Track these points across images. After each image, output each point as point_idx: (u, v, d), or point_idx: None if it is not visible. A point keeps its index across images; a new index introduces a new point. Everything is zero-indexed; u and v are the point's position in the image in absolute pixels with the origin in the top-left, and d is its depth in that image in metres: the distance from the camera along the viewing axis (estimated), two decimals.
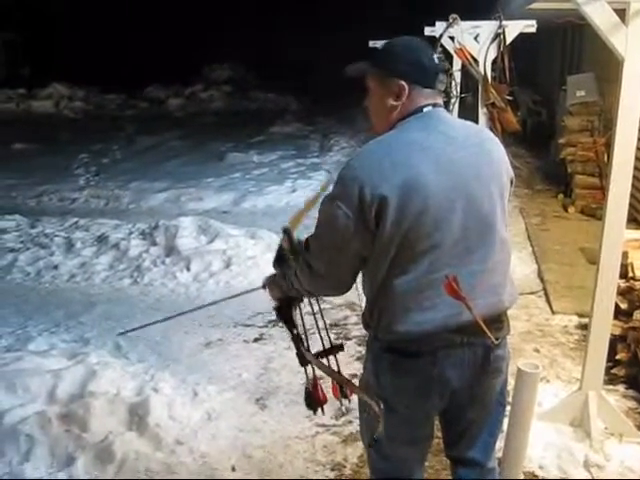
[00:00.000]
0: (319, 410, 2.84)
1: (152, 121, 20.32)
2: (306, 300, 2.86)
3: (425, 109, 2.35)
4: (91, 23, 27.26)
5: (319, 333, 2.88)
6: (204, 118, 21.30)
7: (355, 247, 2.30)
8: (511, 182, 2.49)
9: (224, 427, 4.18)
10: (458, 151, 2.30)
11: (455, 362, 2.38)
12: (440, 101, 2.44)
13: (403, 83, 2.34)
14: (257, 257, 7.13)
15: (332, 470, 3.83)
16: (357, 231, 2.25)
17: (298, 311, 2.87)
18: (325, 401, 2.83)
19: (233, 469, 3.83)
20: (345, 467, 3.84)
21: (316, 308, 2.95)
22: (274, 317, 5.84)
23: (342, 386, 2.73)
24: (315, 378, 2.82)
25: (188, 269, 6.93)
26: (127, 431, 4.00)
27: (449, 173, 2.25)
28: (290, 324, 2.83)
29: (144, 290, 6.73)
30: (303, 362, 2.80)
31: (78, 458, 3.78)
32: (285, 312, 2.85)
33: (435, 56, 2.40)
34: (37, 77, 25.08)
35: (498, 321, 2.45)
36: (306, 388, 2.85)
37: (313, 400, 2.83)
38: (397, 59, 2.37)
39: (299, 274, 2.53)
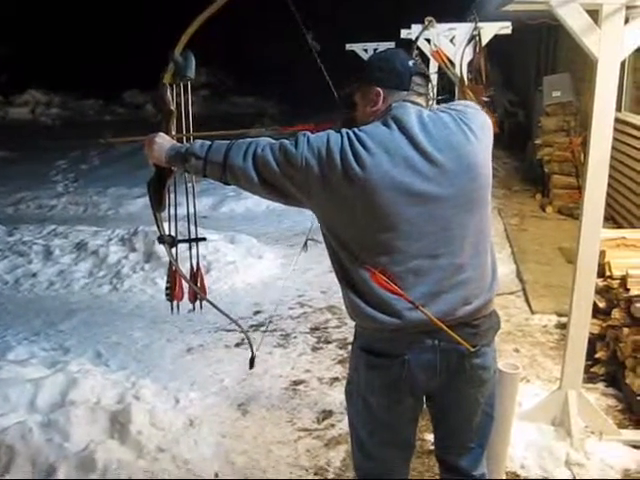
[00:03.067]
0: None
1: (130, 126, 20.18)
2: None
3: (394, 105, 2.41)
4: (67, 29, 27.08)
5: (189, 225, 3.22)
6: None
7: (292, 183, 2.35)
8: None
9: (206, 433, 4.17)
10: (418, 148, 2.31)
11: (425, 365, 2.40)
12: (417, 100, 2.47)
13: (379, 89, 2.46)
14: (237, 261, 7.13)
15: (315, 474, 3.82)
16: (305, 170, 2.31)
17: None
18: (180, 298, 3.03)
19: (216, 476, 3.81)
20: (328, 471, 3.84)
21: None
22: (255, 322, 5.90)
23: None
24: (176, 270, 3.05)
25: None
26: (109, 439, 3.98)
27: (406, 169, 2.28)
28: (157, 202, 2.98)
29: (124, 297, 6.70)
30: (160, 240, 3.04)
31: (59, 468, 3.74)
32: (157, 186, 2.96)
33: (411, 62, 2.50)
34: (13, 84, 24.89)
35: (473, 326, 2.45)
36: (168, 276, 3.08)
37: (171, 292, 3.06)
38: (372, 68, 2.52)
39: (234, 147, 2.48)
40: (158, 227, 2.93)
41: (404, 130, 2.33)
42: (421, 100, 2.49)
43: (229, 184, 2.54)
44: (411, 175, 2.28)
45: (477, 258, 2.42)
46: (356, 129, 2.36)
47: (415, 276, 2.32)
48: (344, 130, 2.35)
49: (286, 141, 2.39)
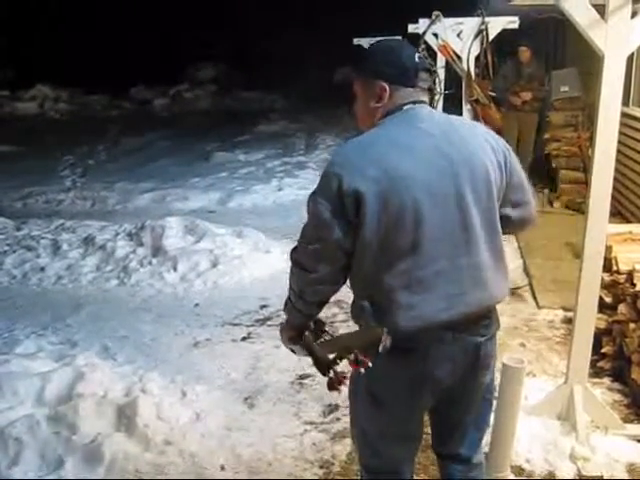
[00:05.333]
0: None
1: (137, 121, 20.23)
2: None
3: (406, 107, 2.40)
4: (75, 24, 27.09)
5: None
6: (189, 118, 21.23)
7: (336, 237, 2.32)
8: (506, 166, 2.46)
9: (213, 426, 4.19)
10: (437, 147, 2.33)
11: (445, 359, 2.40)
12: (424, 98, 2.47)
13: (384, 84, 2.40)
14: (244, 256, 7.14)
15: (321, 468, 3.83)
16: (336, 221, 2.29)
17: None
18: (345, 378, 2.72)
19: (222, 468, 3.83)
20: (334, 464, 3.85)
21: None
22: (261, 316, 5.90)
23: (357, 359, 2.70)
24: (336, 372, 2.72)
25: (175, 269, 6.93)
26: (116, 432, 4.00)
27: (427, 169, 2.29)
28: (303, 342, 2.76)
29: (131, 291, 6.72)
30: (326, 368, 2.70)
31: (67, 460, 3.78)
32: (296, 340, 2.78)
33: (417, 55, 2.45)
34: (21, 79, 24.91)
35: (487, 317, 2.47)
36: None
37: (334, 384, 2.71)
38: (377, 61, 2.44)
39: (291, 278, 2.59)
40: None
41: (418, 128, 2.36)
42: (425, 97, 2.48)
43: (321, 293, 2.58)
44: (430, 172, 2.30)
45: (494, 257, 2.43)
46: (359, 137, 2.40)
47: (437, 278, 2.32)
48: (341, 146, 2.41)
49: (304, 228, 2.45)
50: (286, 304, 2.70)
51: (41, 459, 3.81)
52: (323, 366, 2.62)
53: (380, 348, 2.37)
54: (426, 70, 2.48)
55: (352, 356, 2.59)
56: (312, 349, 2.68)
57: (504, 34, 7.41)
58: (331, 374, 2.64)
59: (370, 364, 2.42)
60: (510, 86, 9.22)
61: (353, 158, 2.32)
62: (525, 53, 9.37)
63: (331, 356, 2.65)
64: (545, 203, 9.48)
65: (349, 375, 2.59)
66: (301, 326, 2.68)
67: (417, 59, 2.44)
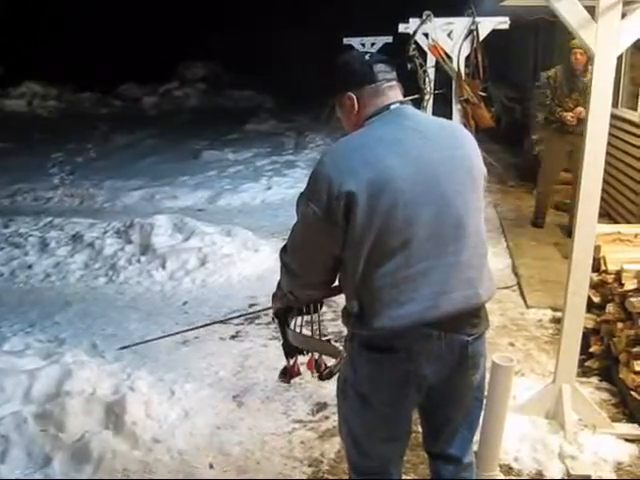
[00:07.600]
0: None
1: (127, 119, 20.17)
2: None
3: (392, 106, 2.42)
4: (64, 21, 26.99)
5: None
6: (179, 116, 21.19)
7: (325, 243, 2.35)
8: (484, 177, 2.53)
9: (201, 425, 4.18)
10: (426, 146, 2.34)
11: (431, 357, 2.40)
12: (399, 94, 2.49)
13: (349, 93, 2.46)
14: (233, 254, 7.13)
15: (309, 466, 3.83)
16: (326, 227, 2.31)
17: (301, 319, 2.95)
18: (298, 374, 3.06)
19: (211, 466, 3.83)
20: (322, 463, 3.85)
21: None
22: (250, 315, 5.89)
23: (317, 360, 2.85)
24: (295, 363, 2.99)
25: (164, 267, 6.91)
26: (104, 430, 3.98)
27: (418, 167, 2.30)
28: (281, 320, 2.91)
29: (119, 289, 6.70)
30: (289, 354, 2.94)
31: (54, 458, 3.76)
32: (280, 316, 2.91)
33: (366, 55, 2.53)
34: (10, 76, 24.79)
35: (475, 316, 2.47)
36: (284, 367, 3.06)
37: (288, 373, 3.07)
38: (337, 80, 2.53)
39: (280, 275, 2.64)
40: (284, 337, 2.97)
41: (406, 127, 2.38)
42: (395, 90, 2.49)
43: (311, 294, 2.71)
44: (419, 171, 2.31)
45: (478, 257, 2.45)
46: (347, 137, 2.43)
47: (424, 276, 2.33)
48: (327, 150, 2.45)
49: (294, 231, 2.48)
50: (279, 286, 2.77)
51: (28, 457, 3.79)
52: (291, 350, 2.91)
53: (332, 367, 2.58)
54: (381, 62, 2.49)
55: (317, 355, 2.78)
56: (286, 333, 2.89)
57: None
58: (291, 362, 2.96)
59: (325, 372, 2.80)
60: (563, 101, 7.71)
61: (343, 159, 2.32)
62: (581, 58, 7.43)
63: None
64: (534, 204, 9.50)
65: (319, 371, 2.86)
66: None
67: (367, 57, 2.51)
